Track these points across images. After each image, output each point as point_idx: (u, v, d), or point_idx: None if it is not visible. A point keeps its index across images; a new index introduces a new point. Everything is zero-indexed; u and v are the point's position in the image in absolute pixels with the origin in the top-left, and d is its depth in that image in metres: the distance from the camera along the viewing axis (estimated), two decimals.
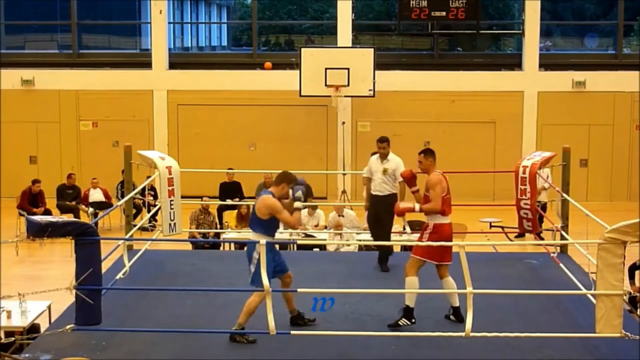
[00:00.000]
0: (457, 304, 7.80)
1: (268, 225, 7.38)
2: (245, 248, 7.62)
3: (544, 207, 13.56)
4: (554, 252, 10.04)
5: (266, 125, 18.77)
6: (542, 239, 10.79)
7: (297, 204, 7.40)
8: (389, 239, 9.76)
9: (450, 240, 7.69)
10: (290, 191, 7.43)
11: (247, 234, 12.15)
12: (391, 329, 7.63)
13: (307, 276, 8.95)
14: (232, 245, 12.61)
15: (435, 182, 7.69)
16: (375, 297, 8.48)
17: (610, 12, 20.61)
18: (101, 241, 7.12)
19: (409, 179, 8.10)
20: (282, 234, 12.10)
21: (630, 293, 8.79)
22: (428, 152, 7.95)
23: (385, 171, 9.55)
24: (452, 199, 7.82)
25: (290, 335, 7.25)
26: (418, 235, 8.18)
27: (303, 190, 7.45)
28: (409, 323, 7.64)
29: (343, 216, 13.03)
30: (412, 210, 7.86)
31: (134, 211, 12.08)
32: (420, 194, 7.99)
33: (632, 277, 9.85)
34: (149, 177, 11.19)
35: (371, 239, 12.36)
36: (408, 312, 7.67)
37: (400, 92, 18.57)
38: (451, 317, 7.86)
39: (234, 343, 7.33)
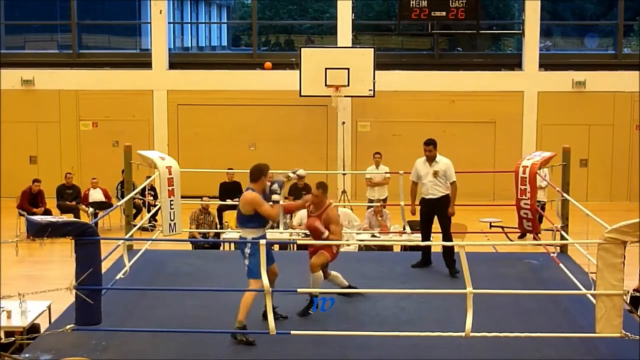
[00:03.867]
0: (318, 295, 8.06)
1: (255, 218, 7.60)
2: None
3: (542, 206, 13.56)
4: (554, 252, 10.04)
5: (266, 125, 18.77)
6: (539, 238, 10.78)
7: (275, 197, 7.67)
8: (451, 240, 9.53)
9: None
10: (268, 184, 7.77)
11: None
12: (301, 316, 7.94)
13: (307, 276, 8.93)
14: (232, 245, 12.60)
15: (336, 218, 8.25)
16: (375, 297, 8.48)
17: (610, 12, 20.61)
18: (101, 241, 7.12)
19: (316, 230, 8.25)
20: (282, 234, 12.11)
21: (630, 293, 8.77)
22: (325, 187, 8.35)
23: (435, 174, 9.52)
24: None
25: (290, 335, 7.25)
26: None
27: (279, 182, 7.84)
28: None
29: (338, 215, 12.98)
30: (322, 234, 8.15)
31: (134, 211, 12.08)
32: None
33: None
34: (149, 177, 11.18)
35: (371, 239, 12.42)
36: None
37: (400, 92, 18.57)
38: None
39: (235, 343, 7.35)
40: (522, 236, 12.56)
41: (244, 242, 7.57)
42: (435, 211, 9.60)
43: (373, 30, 20.85)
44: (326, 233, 8.18)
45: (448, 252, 9.48)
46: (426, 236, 9.68)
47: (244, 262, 7.56)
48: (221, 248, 12.65)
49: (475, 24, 18.58)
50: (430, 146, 9.59)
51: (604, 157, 18.74)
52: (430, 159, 9.60)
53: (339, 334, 7.43)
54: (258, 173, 7.75)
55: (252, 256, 7.44)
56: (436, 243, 11.94)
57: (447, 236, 9.54)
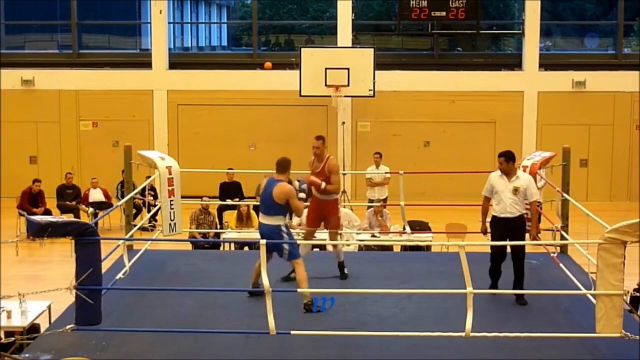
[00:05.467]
0: (342, 259, 9.17)
1: (284, 207, 8.17)
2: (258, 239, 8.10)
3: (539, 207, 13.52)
4: (554, 252, 10.03)
5: (266, 125, 18.77)
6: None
7: (301, 195, 8.32)
8: (523, 267, 8.56)
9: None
10: (297, 183, 8.37)
11: (249, 234, 12.19)
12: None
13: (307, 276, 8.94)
14: (232, 245, 12.61)
15: (336, 168, 9.03)
16: (375, 297, 8.48)
17: (610, 12, 20.61)
18: (101, 241, 7.12)
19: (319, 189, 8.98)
20: None
21: (630, 293, 8.76)
22: (324, 139, 9.24)
23: (516, 191, 8.48)
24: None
25: (290, 335, 7.25)
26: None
27: (306, 186, 8.54)
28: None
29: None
30: (319, 185, 8.87)
31: (134, 211, 12.07)
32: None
33: None
34: (149, 177, 11.18)
35: (371, 239, 12.41)
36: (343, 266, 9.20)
37: (400, 92, 18.57)
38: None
39: (304, 312, 7.78)
40: None
41: (277, 228, 8.08)
42: (511, 232, 8.47)
43: (373, 30, 20.84)
44: (323, 184, 8.84)
45: (518, 279, 8.55)
46: (499, 260, 8.65)
47: (282, 247, 7.99)
48: (221, 248, 12.65)
49: (475, 24, 18.58)
50: (502, 158, 8.57)
51: (604, 157, 18.74)
52: (507, 173, 8.55)
53: (339, 334, 7.42)
54: (287, 165, 8.24)
55: (290, 238, 8.09)
56: (436, 243, 11.97)
57: (520, 262, 8.55)
